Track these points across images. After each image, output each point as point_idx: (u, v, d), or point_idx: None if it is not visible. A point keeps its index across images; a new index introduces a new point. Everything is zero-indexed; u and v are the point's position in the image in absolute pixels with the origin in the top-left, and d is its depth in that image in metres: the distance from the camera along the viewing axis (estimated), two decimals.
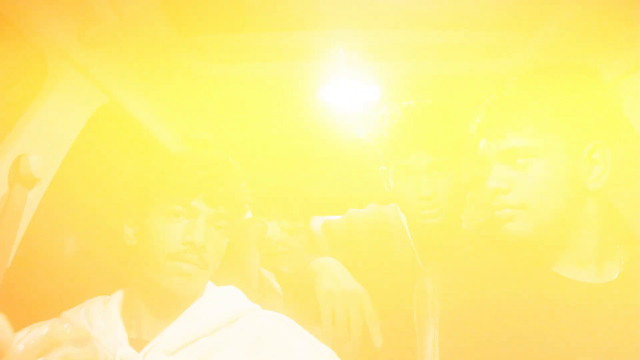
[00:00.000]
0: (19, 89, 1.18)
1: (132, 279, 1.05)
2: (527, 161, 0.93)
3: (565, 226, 0.95)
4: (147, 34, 1.21)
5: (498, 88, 1.00)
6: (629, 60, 1.22)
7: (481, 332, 0.94)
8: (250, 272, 1.26)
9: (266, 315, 1.06)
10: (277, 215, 1.77)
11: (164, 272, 0.97)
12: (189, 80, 1.47)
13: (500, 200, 0.95)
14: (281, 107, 1.74)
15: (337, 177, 2.30)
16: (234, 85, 1.55)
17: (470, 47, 1.38)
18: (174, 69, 1.40)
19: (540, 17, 1.21)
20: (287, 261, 1.36)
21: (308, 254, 1.40)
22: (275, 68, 1.46)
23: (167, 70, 1.40)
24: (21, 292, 1.06)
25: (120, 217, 1.07)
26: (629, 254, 0.99)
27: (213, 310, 1.02)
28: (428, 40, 1.36)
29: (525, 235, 0.95)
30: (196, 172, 1.02)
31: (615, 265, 0.98)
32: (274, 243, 1.60)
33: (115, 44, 1.22)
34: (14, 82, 1.18)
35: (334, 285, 1.19)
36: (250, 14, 1.25)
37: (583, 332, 0.90)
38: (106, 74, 1.32)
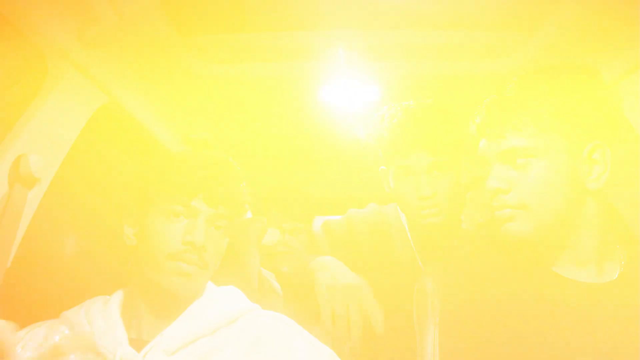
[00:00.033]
0: (19, 89, 1.18)
1: (132, 279, 1.05)
2: (527, 161, 0.93)
3: (565, 226, 0.95)
4: (147, 34, 1.21)
5: (498, 88, 1.00)
6: (629, 60, 1.22)
7: (481, 332, 0.94)
8: (250, 272, 1.26)
9: (266, 315, 1.06)
10: (278, 216, 1.77)
11: (164, 272, 0.97)
12: (189, 80, 1.47)
13: (500, 200, 0.95)
14: (281, 107, 1.74)
15: (337, 177, 2.30)
16: (234, 85, 1.55)
17: (470, 47, 1.38)
18: (174, 69, 1.40)
19: (540, 17, 1.21)
20: (287, 261, 1.36)
21: (308, 254, 1.40)
22: (275, 68, 1.46)
23: (167, 70, 1.40)
24: (21, 292, 1.06)
25: (120, 217, 1.07)
26: (629, 254, 0.99)
27: (213, 310, 1.02)
28: (428, 40, 1.36)
29: (525, 235, 0.95)
30: (196, 172, 1.02)
31: (615, 265, 0.98)
32: (274, 243, 1.60)
33: (115, 44, 1.22)
34: (14, 82, 1.18)
35: (333, 281, 1.19)
36: (250, 14, 1.25)
37: (583, 332, 0.90)
38: (106, 74, 1.32)
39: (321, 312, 1.15)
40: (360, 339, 1.14)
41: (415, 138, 1.29)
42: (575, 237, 0.96)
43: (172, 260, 0.97)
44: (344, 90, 1.60)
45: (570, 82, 0.97)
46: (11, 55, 1.14)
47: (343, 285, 1.18)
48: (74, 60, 1.20)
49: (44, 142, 1.16)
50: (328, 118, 1.74)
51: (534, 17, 1.22)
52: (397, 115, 1.32)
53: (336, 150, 2.03)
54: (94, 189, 1.50)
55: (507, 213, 0.95)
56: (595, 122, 0.94)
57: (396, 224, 1.46)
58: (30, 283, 1.20)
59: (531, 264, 0.99)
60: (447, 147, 1.31)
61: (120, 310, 1.01)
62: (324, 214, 1.71)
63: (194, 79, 1.46)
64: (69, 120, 1.24)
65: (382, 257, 1.41)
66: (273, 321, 1.04)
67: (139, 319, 1.00)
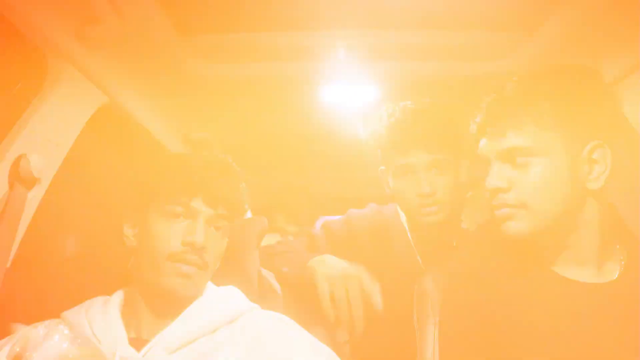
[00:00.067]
0: (19, 89, 1.18)
1: (132, 280, 1.05)
2: (527, 160, 0.93)
3: (565, 226, 0.95)
4: (147, 34, 1.21)
5: (498, 88, 1.00)
6: (629, 60, 1.22)
7: (481, 331, 0.94)
8: (250, 272, 1.26)
9: (266, 315, 1.06)
10: (284, 220, 1.77)
11: (164, 273, 0.97)
12: (189, 80, 1.47)
13: (499, 199, 0.95)
14: (281, 107, 1.74)
15: (338, 177, 2.30)
16: (234, 85, 1.55)
17: (471, 48, 1.38)
18: (174, 69, 1.40)
19: (540, 17, 1.21)
20: (287, 261, 1.36)
21: (308, 253, 1.40)
22: (276, 68, 1.46)
23: (167, 70, 1.40)
24: (21, 292, 1.06)
25: (120, 218, 1.07)
26: (629, 254, 0.99)
27: (213, 309, 1.02)
28: (428, 41, 1.36)
29: (525, 234, 0.95)
30: (195, 172, 1.02)
31: (615, 265, 0.98)
32: (274, 243, 1.60)
33: (115, 44, 1.22)
34: (14, 82, 1.18)
35: (332, 270, 1.19)
36: (250, 14, 1.25)
37: (583, 332, 0.90)
38: (106, 74, 1.31)
39: (320, 299, 1.15)
40: (362, 320, 1.14)
41: (414, 136, 1.29)
42: (575, 236, 0.96)
43: (172, 261, 0.97)
44: (344, 90, 1.60)
45: (570, 82, 0.97)
46: (11, 55, 1.14)
47: (341, 272, 1.18)
48: (74, 60, 1.20)
49: (44, 142, 1.16)
50: (328, 118, 1.74)
51: (534, 17, 1.22)
52: (396, 114, 1.32)
53: (336, 150, 2.03)
54: (94, 189, 1.50)
55: (506, 212, 0.95)
56: (595, 121, 0.94)
57: (396, 224, 1.46)
58: (30, 283, 1.20)
59: (531, 264, 0.99)
60: (446, 145, 1.31)
61: (120, 310, 1.02)
62: (324, 214, 1.71)
63: (194, 79, 1.46)
64: (69, 120, 1.24)
65: (382, 257, 1.41)
66: (273, 321, 1.04)
67: (138, 319, 1.00)
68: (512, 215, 0.95)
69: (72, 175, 1.31)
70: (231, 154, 1.14)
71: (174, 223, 0.99)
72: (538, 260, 0.99)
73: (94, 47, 1.20)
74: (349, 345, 1.38)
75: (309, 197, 1.92)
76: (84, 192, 1.47)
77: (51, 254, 1.46)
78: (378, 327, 1.23)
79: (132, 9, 1.12)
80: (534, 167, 0.93)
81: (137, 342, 0.96)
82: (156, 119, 1.67)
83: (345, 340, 1.39)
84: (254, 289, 1.25)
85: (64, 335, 0.97)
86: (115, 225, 1.07)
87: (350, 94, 1.62)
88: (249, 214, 1.42)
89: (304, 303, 1.24)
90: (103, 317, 0.99)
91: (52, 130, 1.18)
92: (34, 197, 1.13)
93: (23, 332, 0.99)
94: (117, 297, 1.04)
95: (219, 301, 1.05)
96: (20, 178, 1.05)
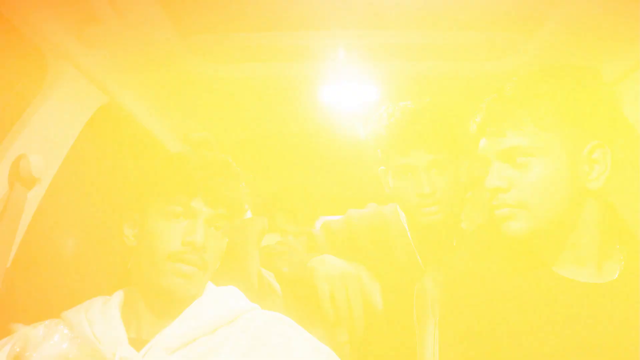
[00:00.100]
0: (19, 89, 1.18)
1: (132, 280, 1.05)
2: (527, 160, 0.93)
3: (565, 226, 0.95)
4: (147, 34, 1.21)
5: (498, 88, 1.00)
6: (629, 60, 1.22)
7: (481, 331, 0.94)
8: (250, 272, 1.26)
9: (266, 315, 1.06)
10: (284, 221, 1.77)
11: (164, 273, 0.97)
12: (189, 80, 1.47)
13: (499, 199, 0.95)
14: (281, 107, 1.74)
15: (338, 177, 2.30)
16: (234, 85, 1.55)
17: (471, 48, 1.38)
18: (174, 69, 1.40)
19: (540, 17, 1.21)
20: (287, 261, 1.37)
21: (308, 254, 1.40)
22: (276, 68, 1.46)
23: (167, 70, 1.40)
24: (21, 292, 1.06)
25: (120, 217, 1.07)
26: (629, 254, 0.99)
27: (213, 309, 1.02)
28: (428, 41, 1.36)
29: (524, 233, 0.95)
30: (195, 172, 1.02)
31: (615, 265, 0.98)
32: (274, 243, 1.60)
33: (115, 44, 1.22)
34: (14, 82, 1.18)
35: (331, 271, 1.19)
36: (250, 14, 1.25)
37: (583, 331, 0.90)
38: (106, 74, 1.32)
39: (320, 299, 1.15)
40: (362, 319, 1.14)
41: (414, 136, 1.30)
42: (575, 236, 0.96)
43: (172, 261, 0.97)
44: (344, 90, 1.60)
45: (570, 82, 0.97)
46: (11, 55, 1.14)
47: (341, 272, 1.19)
48: (74, 60, 1.20)
49: (44, 142, 1.16)
50: (328, 118, 1.74)
51: (534, 17, 1.22)
52: (395, 114, 1.32)
53: (336, 150, 2.03)
54: (94, 189, 1.50)
55: (506, 212, 0.95)
56: (595, 121, 0.94)
57: (396, 224, 1.46)
58: (30, 283, 1.20)
59: (531, 264, 0.99)
60: (446, 145, 1.31)
61: (120, 310, 1.02)
62: (324, 214, 1.72)
63: (194, 79, 1.46)
64: (69, 120, 1.24)
65: (382, 257, 1.41)
66: (273, 321, 1.04)
67: (138, 319, 1.01)
68: (512, 215, 0.94)
69: (72, 175, 1.31)
70: (231, 154, 1.14)
71: (174, 223, 0.99)
72: (538, 260, 0.99)
73: (94, 47, 1.20)
74: (349, 346, 1.38)
75: (309, 197, 1.92)
76: (84, 192, 1.47)
77: (51, 254, 1.46)
78: (378, 327, 1.23)
79: (132, 9, 1.12)
80: (534, 167, 0.93)
81: (137, 342, 0.96)
82: (156, 119, 1.67)
83: (346, 341, 1.39)
84: (254, 289, 1.25)
85: (63, 335, 0.98)
86: (115, 225, 1.07)
87: (350, 94, 1.62)
88: (249, 214, 1.42)
89: (304, 303, 1.24)
90: (103, 317, 0.99)
91: (52, 130, 1.18)
92: (34, 197, 1.13)
93: (23, 332, 0.99)
94: (117, 297, 1.04)
95: (219, 301, 1.05)
96: (20, 178, 1.05)
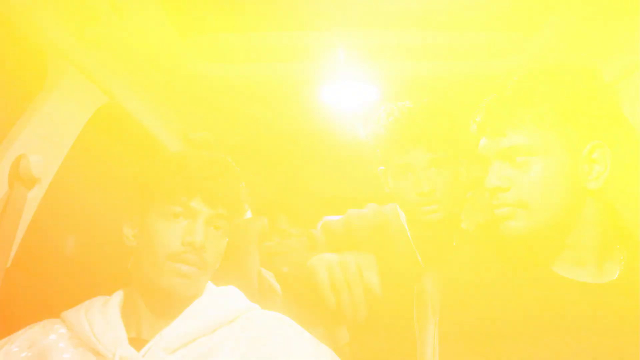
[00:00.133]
0: (19, 89, 1.18)
1: (132, 279, 1.05)
2: (527, 159, 0.93)
3: (565, 225, 0.95)
4: (147, 34, 1.21)
5: (498, 87, 1.00)
6: (629, 60, 1.22)
7: (481, 331, 0.94)
8: (250, 272, 1.26)
9: (266, 315, 1.06)
10: (286, 223, 1.77)
11: (164, 273, 0.97)
12: (188, 80, 1.47)
13: (499, 198, 0.95)
14: (281, 108, 1.74)
15: (337, 177, 2.30)
16: (234, 85, 1.55)
17: (470, 48, 1.38)
18: (174, 69, 1.40)
19: (540, 18, 1.21)
20: (286, 261, 1.37)
21: (307, 253, 1.40)
22: (275, 68, 1.46)
23: (167, 70, 1.40)
24: (21, 292, 1.06)
25: (120, 218, 1.07)
26: (629, 254, 0.99)
27: (213, 309, 1.02)
28: (428, 41, 1.36)
29: (524, 233, 0.95)
30: (195, 172, 1.02)
31: (615, 265, 0.98)
32: (273, 243, 1.59)
33: (115, 44, 1.22)
34: (14, 82, 1.18)
35: (330, 259, 1.19)
36: (250, 14, 1.25)
37: (583, 332, 0.90)
38: (106, 74, 1.32)
39: (320, 286, 1.15)
40: (363, 302, 1.14)
41: (413, 135, 1.30)
42: (575, 236, 0.96)
43: (172, 261, 0.97)
44: (344, 90, 1.60)
45: (571, 81, 0.97)
46: (11, 55, 1.14)
47: (338, 259, 1.18)
48: (74, 60, 1.20)
49: (44, 142, 1.16)
50: (328, 118, 1.74)
51: (533, 17, 1.22)
52: (394, 114, 1.33)
53: (336, 150, 2.03)
54: (94, 189, 1.50)
55: (506, 211, 0.95)
56: (595, 121, 0.94)
57: (396, 224, 1.46)
58: (30, 283, 1.20)
59: (530, 264, 0.99)
60: (444, 143, 1.31)
61: (120, 310, 1.02)
62: (324, 214, 1.71)
63: (193, 79, 1.46)
64: (69, 120, 1.24)
65: (382, 257, 1.41)
66: (273, 321, 1.04)
67: (138, 319, 1.01)
68: (512, 215, 0.94)
69: (72, 175, 1.31)
70: (231, 155, 1.14)
71: (173, 223, 0.99)
72: (537, 260, 0.99)
73: (94, 47, 1.20)
74: (350, 347, 1.39)
75: (309, 197, 1.92)
76: (84, 192, 1.47)
77: (51, 254, 1.46)
78: (378, 326, 1.23)
79: (132, 9, 1.12)
80: (534, 166, 0.93)
81: (137, 342, 0.96)
82: (156, 118, 1.67)
83: (346, 343, 1.39)
84: (254, 289, 1.25)
85: (60, 335, 0.98)
86: (115, 225, 1.07)
87: (350, 94, 1.62)
88: (249, 214, 1.42)
89: (304, 303, 1.24)
90: (103, 317, 0.99)
91: (52, 130, 1.18)
92: (34, 197, 1.13)
93: (21, 333, 0.99)
94: (117, 297, 1.04)
95: (219, 301, 1.05)
96: (20, 178, 1.05)
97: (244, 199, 1.09)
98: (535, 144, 0.93)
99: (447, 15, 1.26)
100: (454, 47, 1.38)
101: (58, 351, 0.95)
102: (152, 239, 0.99)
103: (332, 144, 1.98)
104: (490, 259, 1.03)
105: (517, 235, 0.95)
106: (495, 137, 0.96)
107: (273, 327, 1.02)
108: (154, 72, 1.39)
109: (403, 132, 1.30)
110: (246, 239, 1.35)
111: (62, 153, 1.22)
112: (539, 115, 0.93)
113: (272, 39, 1.34)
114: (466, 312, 0.97)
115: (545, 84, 0.96)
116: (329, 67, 1.46)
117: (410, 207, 1.35)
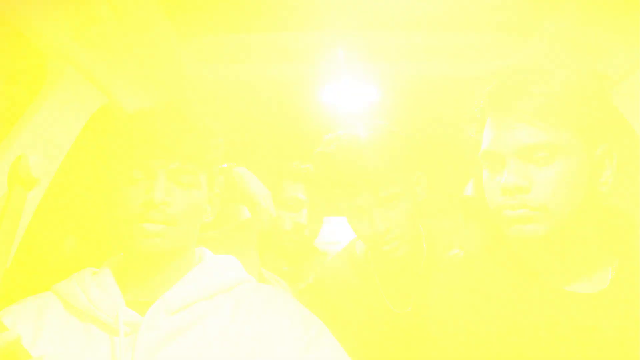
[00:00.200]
0: (18, 89, 1.18)
1: (118, 249, 1.07)
2: (549, 158, 0.88)
3: (572, 231, 0.91)
4: (146, 34, 1.21)
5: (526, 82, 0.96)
6: (629, 60, 1.22)
7: (480, 347, 0.93)
8: (250, 272, 1.26)
9: (261, 287, 1.08)
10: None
11: (134, 236, 0.97)
12: (188, 81, 1.47)
13: (518, 199, 0.89)
14: (281, 108, 1.74)
15: None
16: (234, 86, 1.55)
17: (470, 49, 1.39)
18: (174, 70, 1.40)
19: (540, 18, 1.21)
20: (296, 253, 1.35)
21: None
22: (275, 69, 1.47)
23: (167, 71, 1.40)
24: (21, 292, 1.06)
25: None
26: (624, 260, 0.96)
27: (213, 276, 1.04)
28: (428, 42, 1.36)
29: (540, 237, 0.89)
30: (152, 131, 1.00)
31: (605, 274, 0.95)
32: (285, 232, 1.57)
33: (115, 44, 1.22)
34: (14, 82, 1.18)
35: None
36: (250, 15, 1.25)
37: (583, 339, 0.89)
38: (106, 74, 1.32)
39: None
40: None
41: (356, 180, 1.24)
42: (576, 240, 0.93)
43: (138, 223, 0.96)
44: (344, 90, 1.60)
45: (587, 84, 0.94)
46: (11, 55, 1.14)
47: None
48: (74, 60, 1.20)
49: (44, 142, 1.16)
50: (328, 118, 1.74)
51: (533, 17, 1.22)
52: (336, 158, 1.26)
53: None
54: (94, 189, 1.50)
55: (523, 213, 0.89)
56: (606, 124, 0.93)
57: (363, 268, 1.39)
58: (30, 283, 1.20)
59: (543, 275, 0.96)
60: (392, 180, 1.25)
61: (113, 277, 1.02)
62: (325, 214, 1.71)
63: (193, 80, 1.46)
64: (69, 121, 1.24)
65: (354, 311, 1.35)
66: (267, 293, 1.06)
67: (131, 283, 1.01)
68: (529, 218, 0.89)
69: (72, 175, 1.31)
70: (231, 154, 1.14)
71: (133, 187, 0.98)
72: (538, 270, 0.97)
73: (94, 47, 1.20)
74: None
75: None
76: (84, 192, 1.47)
77: (51, 254, 1.46)
78: None
79: (132, 9, 1.12)
80: (556, 166, 0.88)
81: (135, 305, 0.97)
82: None
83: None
84: None
85: (56, 307, 0.98)
86: (115, 226, 1.08)
87: (350, 94, 1.62)
88: (247, 214, 1.41)
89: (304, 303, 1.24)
90: (97, 284, 1.00)
91: (52, 130, 1.18)
92: (34, 197, 1.13)
93: (13, 309, 0.99)
94: (107, 265, 1.06)
95: (218, 268, 1.06)
96: (19, 178, 1.05)
97: (213, 152, 1.07)
98: (557, 143, 0.88)
99: (447, 16, 1.26)
100: (454, 48, 1.38)
101: (53, 325, 0.96)
102: (117, 206, 0.99)
103: None
104: (491, 272, 1.00)
105: (531, 239, 0.90)
106: (512, 133, 0.90)
107: (267, 299, 1.03)
108: (153, 72, 1.39)
109: (345, 180, 1.25)
110: (246, 239, 1.35)
111: (62, 153, 1.22)
112: (562, 115, 0.89)
113: (272, 40, 1.35)
114: (464, 324, 0.96)
115: (571, 85, 0.91)
116: (329, 67, 1.46)
117: (371, 246, 1.32)
